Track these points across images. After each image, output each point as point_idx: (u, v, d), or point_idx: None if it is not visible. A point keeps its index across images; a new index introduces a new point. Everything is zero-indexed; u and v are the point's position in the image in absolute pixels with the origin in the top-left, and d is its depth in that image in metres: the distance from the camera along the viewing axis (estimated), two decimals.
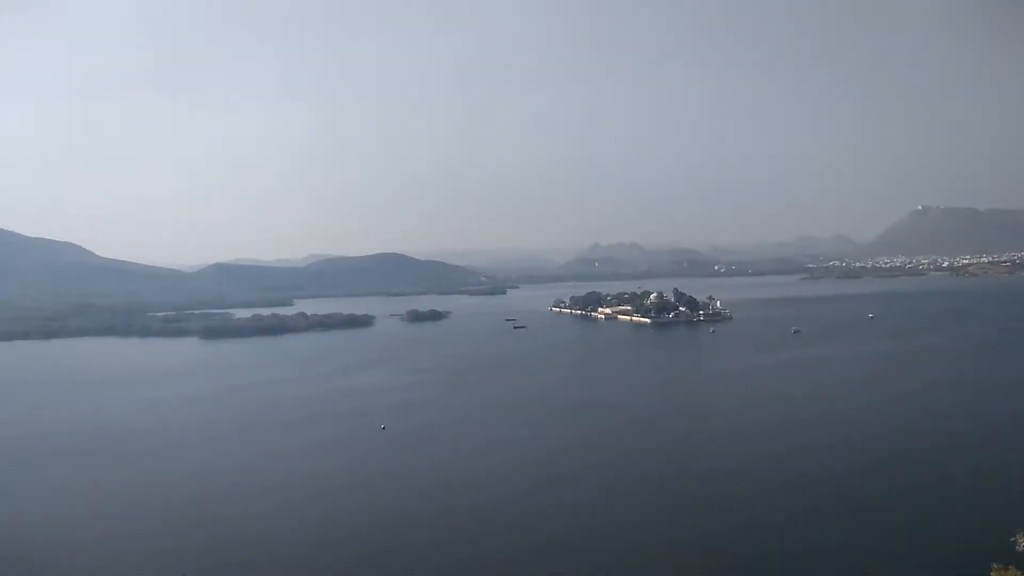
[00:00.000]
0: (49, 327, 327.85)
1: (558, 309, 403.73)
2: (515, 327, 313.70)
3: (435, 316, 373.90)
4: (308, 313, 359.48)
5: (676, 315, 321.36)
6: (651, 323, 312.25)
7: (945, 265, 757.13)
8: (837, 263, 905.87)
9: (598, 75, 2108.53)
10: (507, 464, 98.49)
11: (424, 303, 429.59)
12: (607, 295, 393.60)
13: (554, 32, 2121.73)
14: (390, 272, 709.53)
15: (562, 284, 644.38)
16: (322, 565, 64.87)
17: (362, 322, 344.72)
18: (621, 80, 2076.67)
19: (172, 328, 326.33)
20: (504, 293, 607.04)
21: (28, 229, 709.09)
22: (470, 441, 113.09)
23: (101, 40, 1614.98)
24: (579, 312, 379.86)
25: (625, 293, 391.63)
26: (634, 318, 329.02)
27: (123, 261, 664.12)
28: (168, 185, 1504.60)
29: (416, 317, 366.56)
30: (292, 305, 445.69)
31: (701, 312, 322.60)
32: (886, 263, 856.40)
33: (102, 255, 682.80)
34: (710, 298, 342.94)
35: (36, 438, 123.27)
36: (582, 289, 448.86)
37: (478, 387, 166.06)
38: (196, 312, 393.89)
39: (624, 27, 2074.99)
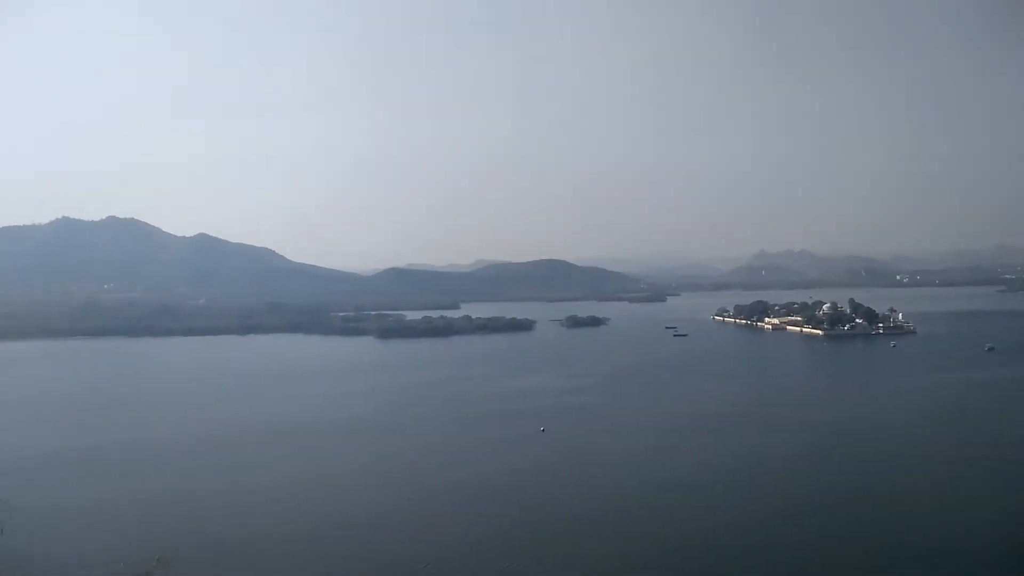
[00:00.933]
0: (246, 324, 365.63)
1: (721, 318, 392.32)
2: (676, 335, 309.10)
3: (594, 322, 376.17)
4: (473, 316, 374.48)
5: (852, 327, 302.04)
6: (823, 335, 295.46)
7: None
8: None
9: (764, 74, 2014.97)
10: (658, 471, 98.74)
11: (583, 309, 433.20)
12: (774, 305, 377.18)
13: (718, 34, 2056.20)
14: (551, 278, 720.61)
15: (725, 292, 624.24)
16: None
17: (523, 326, 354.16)
18: (788, 78, 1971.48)
19: (351, 327, 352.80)
20: (664, 300, 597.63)
21: (232, 236, 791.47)
22: (624, 447, 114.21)
23: (300, 59, 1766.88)
24: (743, 321, 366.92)
25: (794, 303, 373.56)
26: (804, 329, 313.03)
27: (310, 265, 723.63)
28: (349, 194, 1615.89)
29: (575, 323, 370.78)
30: (459, 308, 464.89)
31: (880, 325, 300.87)
32: None
33: (293, 259, 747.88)
34: (891, 310, 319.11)
35: (269, 421, 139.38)
36: (747, 298, 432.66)
37: (636, 393, 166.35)
38: (372, 313, 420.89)
39: (787, 26, 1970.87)
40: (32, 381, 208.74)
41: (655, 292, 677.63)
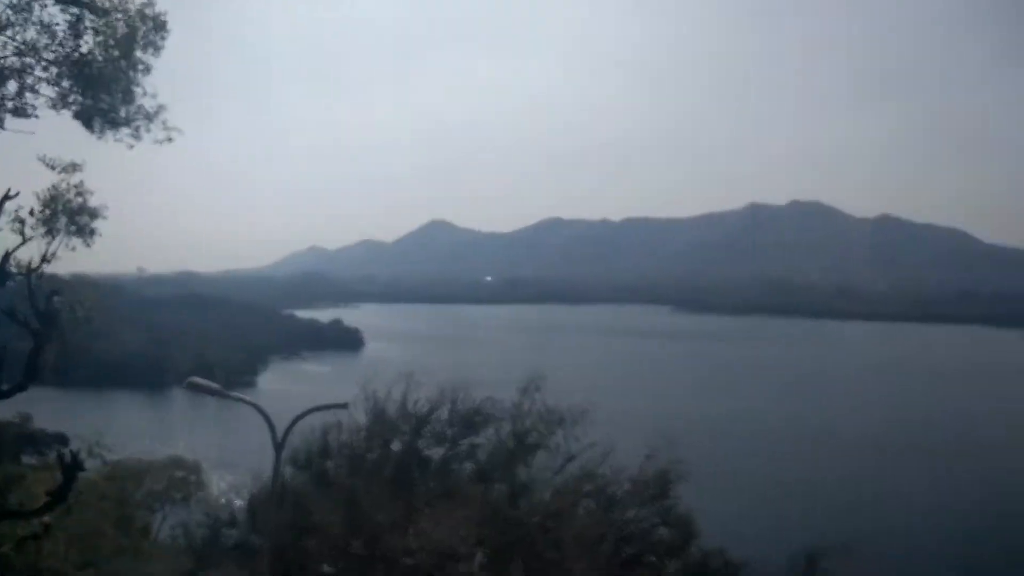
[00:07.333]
0: (929, 312, 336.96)
1: None
2: None
3: None
4: None
5: None
6: None
7: None
8: None
9: None
10: None
11: None
12: None
13: None
14: None
15: None
16: None
17: None
18: None
19: None
20: None
21: (919, 216, 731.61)
22: None
23: None
24: None
25: None
26: None
27: (1010, 248, 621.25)
28: None
29: None
30: None
31: None
32: None
33: (986, 241, 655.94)
34: None
35: None
36: None
37: None
38: None
39: None
40: (719, 355, 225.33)
41: None
